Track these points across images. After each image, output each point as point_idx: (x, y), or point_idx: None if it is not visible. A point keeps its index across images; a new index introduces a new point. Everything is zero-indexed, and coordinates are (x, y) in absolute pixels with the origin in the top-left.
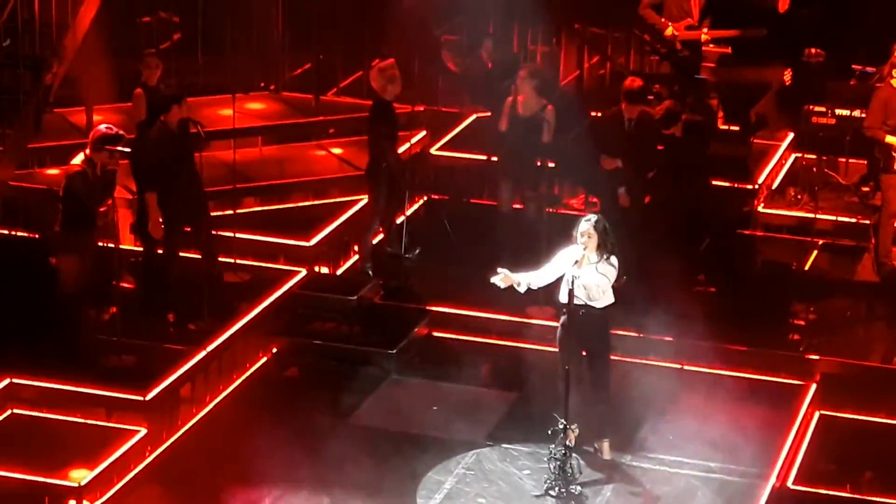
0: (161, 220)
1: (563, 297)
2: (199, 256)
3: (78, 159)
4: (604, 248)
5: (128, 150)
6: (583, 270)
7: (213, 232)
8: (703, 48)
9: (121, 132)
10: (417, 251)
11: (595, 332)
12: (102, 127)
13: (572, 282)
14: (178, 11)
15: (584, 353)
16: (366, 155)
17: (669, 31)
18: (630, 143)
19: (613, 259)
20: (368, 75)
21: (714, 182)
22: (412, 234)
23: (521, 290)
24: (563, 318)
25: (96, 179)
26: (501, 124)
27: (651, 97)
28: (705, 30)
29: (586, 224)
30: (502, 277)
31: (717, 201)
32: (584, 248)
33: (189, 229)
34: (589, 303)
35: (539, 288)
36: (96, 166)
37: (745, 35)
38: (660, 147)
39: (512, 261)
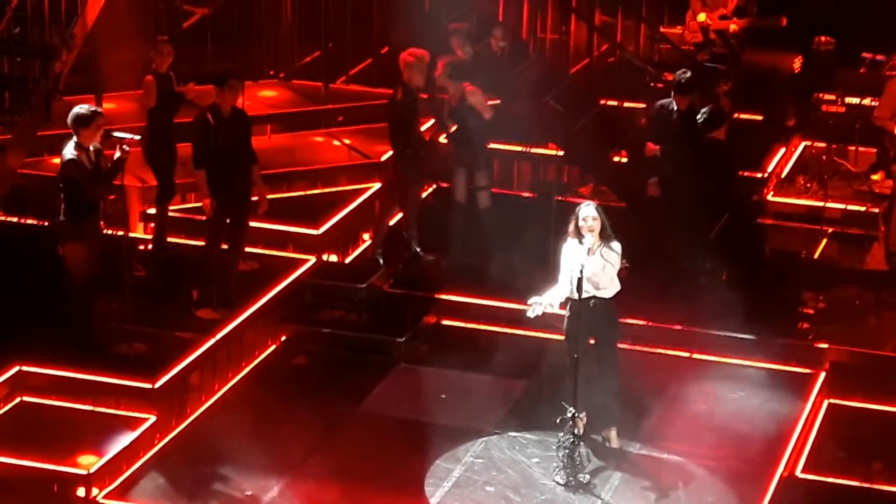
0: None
1: (570, 292)
2: (226, 247)
3: (69, 147)
4: (605, 233)
5: (137, 137)
6: (589, 260)
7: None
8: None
9: (95, 108)
10: (432, 257)
11: (603, 320)
12: (77, 108)
13: (581, 272)
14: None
15: (591, 342)
16: (374, 143)
17: (701, 17)
18: (677, 134)
19: (615, 244)
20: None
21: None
22: (425, 226)
23: (556, 308)
24: (569, 309)
25: (91, 164)
26: (448, 125)
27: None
28: (734, 18)
29: (590, 210)
30: (536, 306)
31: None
32: (591, 234)
33: (228, 220)
34: (597, 293)
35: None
36: (88, 150)
37: (767, 24)
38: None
39: (467, 248)
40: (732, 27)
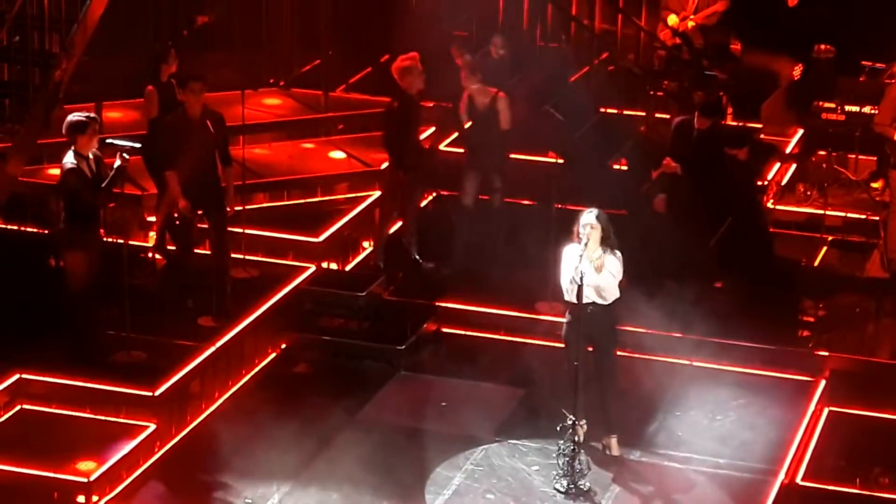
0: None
1: (570, 297)
2: (210, 252)
3: (69, 156)
4: (607, 241)
5: (137, 145)
6: (587, 266)
7: (227, 228)
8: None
9: (89, 114)
10: (432, 265)
11: (602, 327)
12: (71, 116)
13: (581, 279)
14: (189, 7)
15: (590, 349)
16: (374, 151)
17: (672, 19)
18: (696, 152)
19: (618, 253)
20: (391, 68)
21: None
22: (424, 235)
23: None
24: (568, 316)
25: (91, 173)
26: (464, 121)
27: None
28: (691, 15)
29: (589, 216)
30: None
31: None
32: (587, 241)
33: (207, 225)
34: (597, 300)
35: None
36: (88, 159)
37: (711, 13)
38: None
39: (473, 252)
40: (690, 24)
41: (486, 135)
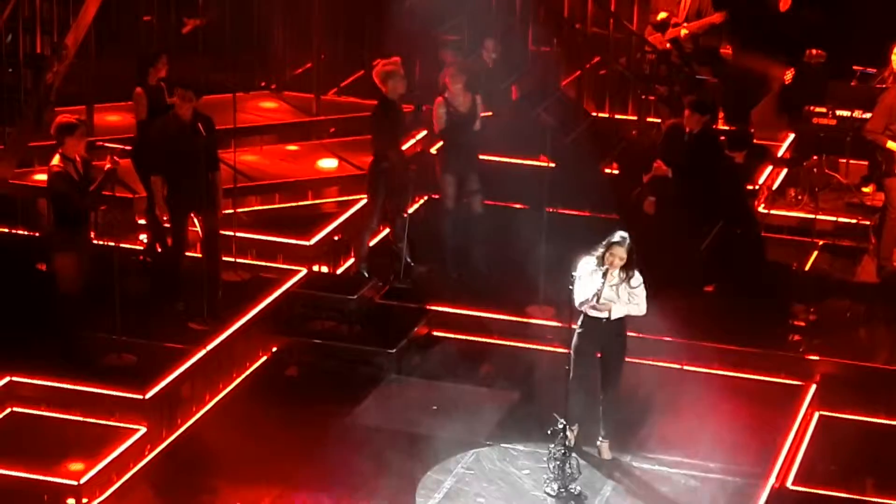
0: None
1: (588, 311)
2: (201, 255)
3: (55, 159)
4: (629, 267)
5: (128, 148)
6: (607, 288)
7: (219, 232)
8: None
9: (80, 119)
10: (423, 269)
11: (613, 335)
12: (59, 118)
13: (597, 296)
14: (181, 10)
15: (598, 356)
16: (366, 154)
17: (661, 15)
18: (689, 155)
19: (635, 280)
20: (372, 73)
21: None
22: (414, 238)
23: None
24: (581, 325)
25: (79, 175)
26: (440, 123)
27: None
28: (684, 24)
29: (621, 247)
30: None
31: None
32: (615, 267)
33: (199, 230)
34: (613, 316)
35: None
36: (75, 161)
37: (707, 23)
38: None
39: (463, 256)
40: (683, 32)
41: (465, 136)
